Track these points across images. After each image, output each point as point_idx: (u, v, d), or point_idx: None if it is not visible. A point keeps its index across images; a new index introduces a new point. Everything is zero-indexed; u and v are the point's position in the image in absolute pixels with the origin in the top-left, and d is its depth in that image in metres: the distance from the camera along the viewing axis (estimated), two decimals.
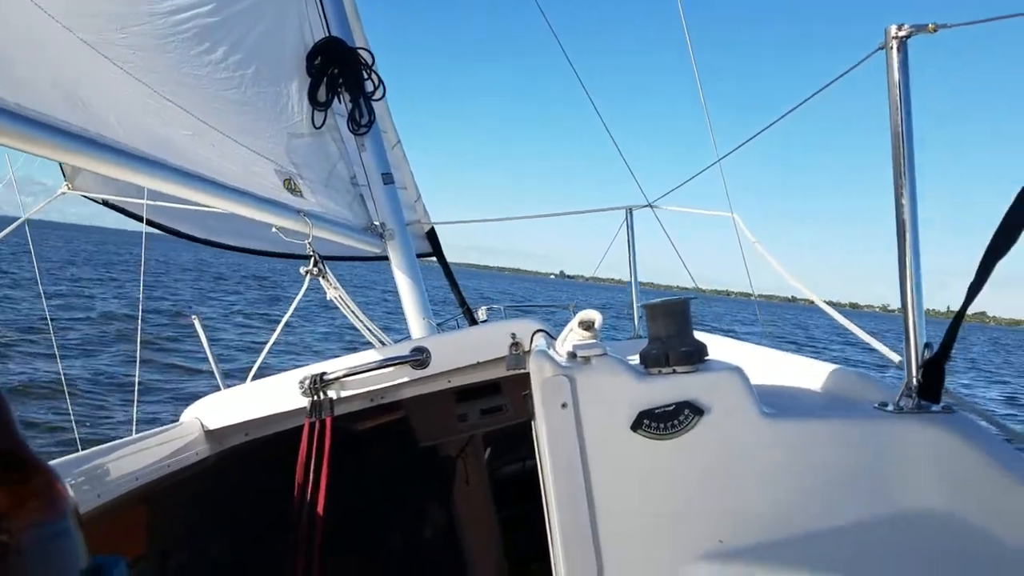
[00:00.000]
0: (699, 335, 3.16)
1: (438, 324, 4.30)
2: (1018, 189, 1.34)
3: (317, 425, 2.55)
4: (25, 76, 1.87)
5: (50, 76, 2.01)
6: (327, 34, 3.46)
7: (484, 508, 3.59)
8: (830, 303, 2.73)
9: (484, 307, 5.40)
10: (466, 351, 2.62)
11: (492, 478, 3.64)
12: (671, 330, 1.60)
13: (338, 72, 3.43)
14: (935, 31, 1.56)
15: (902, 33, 1.58)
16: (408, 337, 3.76)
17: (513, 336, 2.58)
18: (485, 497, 3.59)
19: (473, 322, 5.30)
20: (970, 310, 1.44)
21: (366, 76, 3.63)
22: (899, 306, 1.61)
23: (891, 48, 1.59)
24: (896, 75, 1.59)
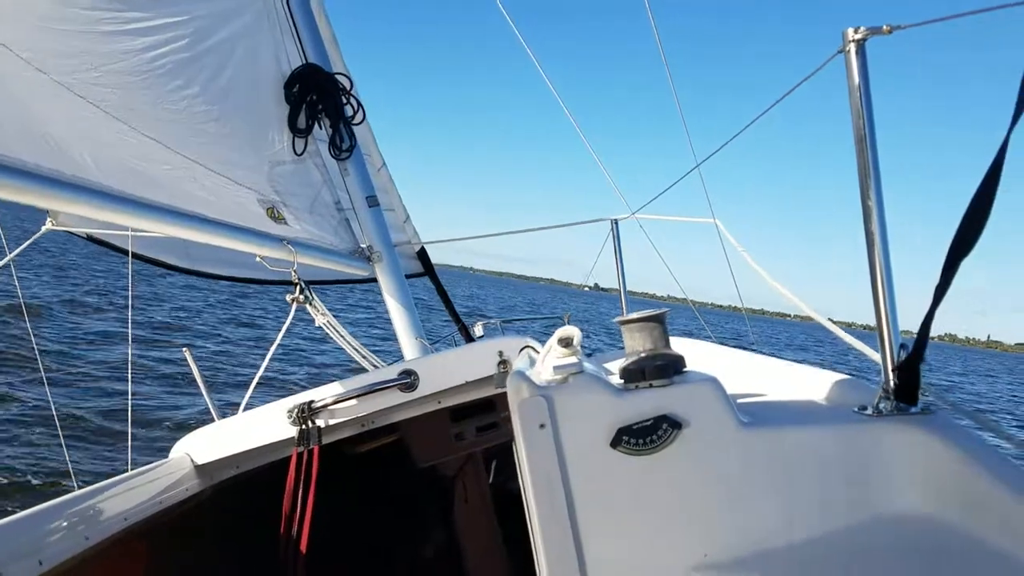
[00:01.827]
0: (683, 341, 3.16)
1: (436, 342, 4.30)
2: (975, 188, 1.34)
3: (305, 454, 2.54)
4: None
5: (20, 119, 2.01)
6: (304, 61, 3.47)
7: (486, 525, 3.57)
8: (806, 318, 2.74)
9: (480, 322, 5.40)
10: (454, 371, 2.61)
11: (498, 494, 3.62)
12: (647, 344, 1.60)
13: (316, 99, 3.43)
14: (890, 32, 1.57)
15: (858, 36, 1.58)
16: (402, 358, 3.76)
17: (500, 354, 2.58)
18: (487, 514, 3.57)
19: (469, 338, 5.30)
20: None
21: (345, 101, 3.63)
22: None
23: (849, 51, 1.60)
24: (856, 78, 1.59)
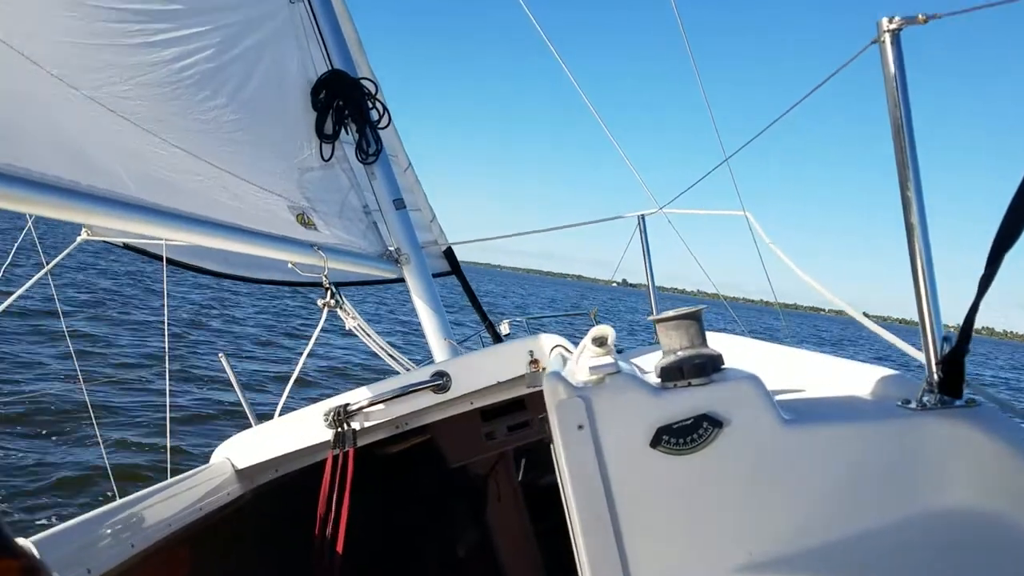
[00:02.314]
0: (718, 337, 3.13)
1: (463, 340, 4.31)
2: (1020, 178, 1.32)
3: (341, 456, 2.56)
4: (28, 137, 1.90)
5: (55, 136, 2.05)
6: (329, 67, 3.49)
7: (518, 524, 3.58)
8: (840, 313, 2.70)
9: (507, 320, 5.40)
10: (486, 372, 2.63)
11: (528, 490, 3.63)
12: (683, 342, 1.59)
13: (343, 104, 3.45)
14: (926, 21, 1.55)
15: (893, 26, 1.56)
16: (430, 359, 3.77)
17: (531, 353, 2.58)
18: (519, 512, 3.58)
19: (496, 337, 5.31)
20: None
21: (371, 106, 3.65)
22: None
23: (884, 42, 1.57)
24: (892, 68, 1.57)
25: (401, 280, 3.96)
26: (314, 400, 2.72)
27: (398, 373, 3.31)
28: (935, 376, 1.53)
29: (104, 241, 4.14)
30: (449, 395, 2.62)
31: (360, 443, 2.63)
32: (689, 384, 1.49)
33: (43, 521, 5.59)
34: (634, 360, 2.41)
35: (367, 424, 2.63)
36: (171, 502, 2.28)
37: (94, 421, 5.20)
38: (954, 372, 1.51)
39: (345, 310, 3.37)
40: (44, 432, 7.48)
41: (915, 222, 1.58)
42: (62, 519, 2.08)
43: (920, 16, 1.55)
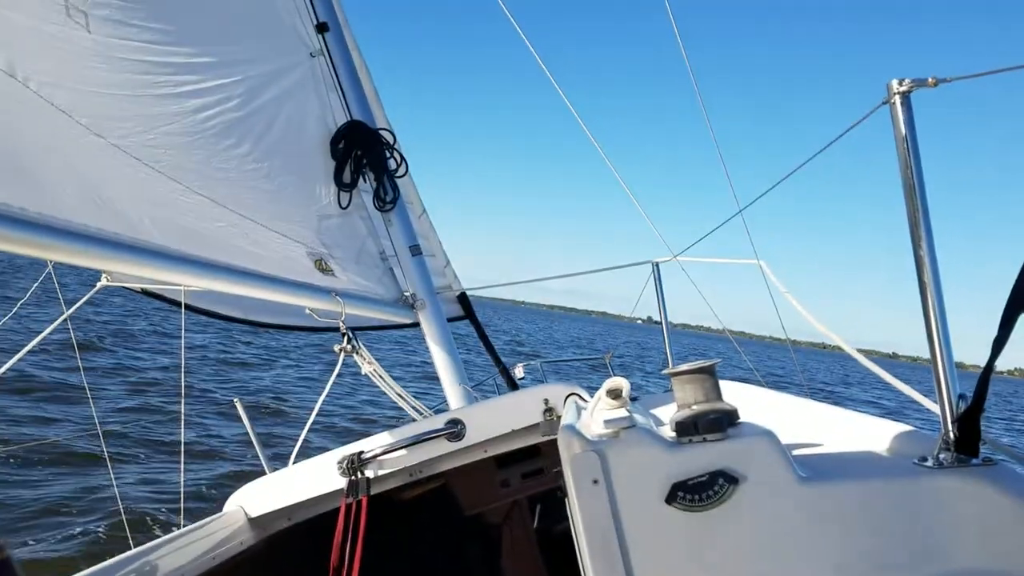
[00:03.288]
0: (734, 386, 3.11)
1: (477, 385, 4.29)
2: None
3: (354, 505, 2.55)
4: (53, 184, 1.94)
5: (81, 183, 2.09)
6: (348, 118, 3.56)
7: (533, 572, 3.53)
8: (868, 352, 2.69)
9: (521, 364, 5.39)
10: (500, 420, 2.61)
11: (542, 538, 3.59)
12: (698, 396, 1.58)
13: (361, 154, 3.51)
14: (935, 85, 1.56)
15: (903, 88, 1.58)
16: (445, 404, 3.76)
17: (546, 402, 2.57)
18: (534, 561, 3.53)
19: (511, 381, 5.29)
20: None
21: (389, 155, 3.71)
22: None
23: (894, 103, 1.59)
24: (903, 129, 1.59)
25: (416, 325, 3.96)
26: (330, 447, 2.72)
27: (413, 419, 3.30)
28: (951, 435, 1.52)
29: (123, 287, 4.18)
30: (463, 443, 2.61)
31: (374, 491, 2.61)
32: (704, 439, 1.48)
33: (57, 569, 5.56)
34: (651, 409, 2.40)
35: (381, 472, 2.62)
36: (184, 551, 2.27)
37: (109, 467, 5.20)
38: (970, 431, 1.50)
39: (361, 355, 3.38)
40: (57, 476, 7.48)
41: (928, 281, 1.58)
42: (75, 569, 2.08)
43: (930, 79, 1.57)
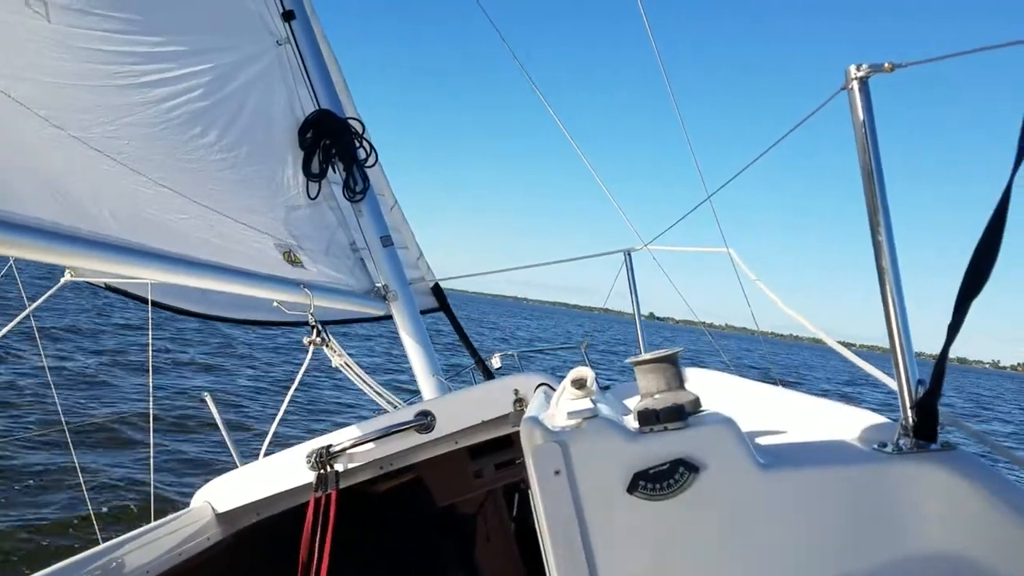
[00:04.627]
0: (699, 373, 3.13)
1: (453, 376, 4.28)
2: (985, 224, 1.33)
3: (323, 499, 2.53)
4: (11, 178, 1.89)
5: (38, 177, 2.05)
6: (316, 106, 3.51)
7: (508, 563, 3.52)
8: (843, 343, 2.70)
9: (498, 354, 5.38)
10: (471, 411, 2.60)
11: (519, 529, 3.59)
12: (660, 385, 1.58)
13: (330, 143, 3.47)
14: (892, 70, 1.57)
15: (861, 73, 1.58)
16: (419, 396, 3.75)
17: (516, 392, 2.56)
18: (509, 552, 3.53)
19: (487, 372, 5.28)
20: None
21: (358, 145, 3.67)
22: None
23: (852, 88, 1.60)
24: (860, 115, 1.59)
25: (389, 317, 3.94)
26: (300, 440, 2.69)
27: (385, 411, 3.28)
28: (910, 420, 1.53)
29: (87, 282, 4.11)
30: (434, 435, 2.59)
31: (343, 484, 2.59)
32: (665, 428, 1.48)
33: (23, 567, 5.48)
34: (624, 398, 2.40)
35: (351, 465, 2.60)
36: (150, 548, 2.24)
37: (76, 463, 5.12)
38: (928, 416, 1.51)
39: (332, 348, 3.35)
40: (25, 474, 7.36)
41: (887, 266, 1.58)
42: (42, 565, 2.04)
43: (887, 65, 1.58)
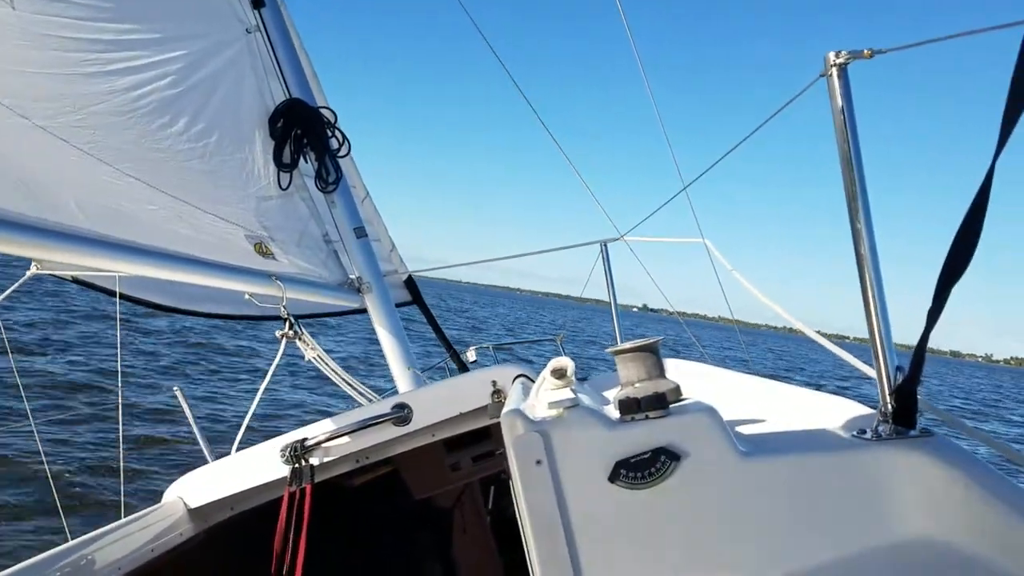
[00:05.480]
0: (679, 363, 3.14)
1: (427, 369, 4.26)
2: (965, 211, 1.34)
3: (298, 493, 2.50)
4: None
5: (2, 167, 2.00)
6: (287, 96, 3.47)
7: (486, 556, 3.52)
8: (821, 334, 2.72)
9: (473, 347, 5.37)
10: (448, 403, 2.58)
11: (496, 521, 3.58)
12: (641, 374, 1.58)
13: (301, 133, 3.42)
14: (871, 56, 1.58)
15: (840, 60, 1.59)
16: (395, 388, 3.72)
17: (494, 384, 2.55)
18: (486, 544, 3.53)
19: (461, 365, 5.27)
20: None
21: (330, 134, 3.63)
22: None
23: (831, 75, 1.60)
24: (839, 102, 1.60)
25: (363, 311, 3.91)
26: (274, 435, 2.66)
27: (360, 405, 3.25)
28: (889, 406, 1.55)
29: (54, 275, 4.04)
30: (410, 428, 2.57)
31: (319, 478, 2.57)
32: (647, 417, 1.48)
33: None
34: (603, 388, 2.40)
35: (326, 459, 2.58)
36: (121, 544, 2.21)
37: (44, 459, 5.04)
38: (907, 402, 1.53)
39: (304, 341, 3.32)
40: None
41: (865, 253, 1.59)
42: (8, 564, 2.00)
43: (866, 51, 1.58)
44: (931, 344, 1.50)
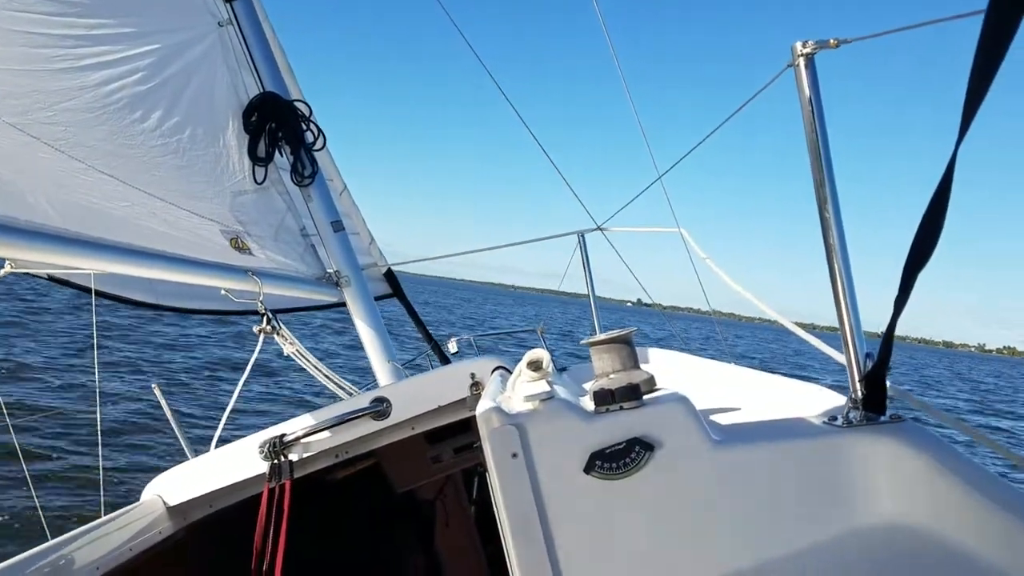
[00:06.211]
0: (655, 353, 3.16)
1: (408, 363, 4.25)
2: (929, 198, 1.36)
3: (277, 489, 2.49)
4: None
5: None
6: (261, 89, 3.44)
7: (469, 547, 3.53)
8: (801, 324, 2.74)
9: (454, 339, 5.36)
10: (427, 396, 2.58)
11: (479, 513, 3.59)
12: (615, 365, 1.59)
13: (276, 127, 3.40)
14: (837, 46, 1.60)
15: (807, 50, 1.61)
16: (375, 383, 3.71)
17: (472, 376, 2.55)
18: (469, 536, 3.54)
19: (442, 356, 5.27)
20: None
21: (305, 128, 3.61)
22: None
23: (798, 65, 1.62)
24: (807, 92, 1.61)
25: (342, 304, 3.90)
26: (253, 431, 2.65)
27: (340, 398, 3.25)
28: (859, 393, 1.57)
29: (28, 273, 3.99)
30: (389, 421, 2.57)
31: (298, 474, 2.56)
32: (621, 408, 1.49)
33: None
34: (579, 379, 2.41)
35: (305, 455, 2.57)
36: (99, 543, 2.19)
37: (21, 458, 4.98)
38: (877, 389, 1.55)
39: (282, 335, 3.31)
40: None
41: (834, 242, 1.61)
42: None
43: (832, 41, 1.60)
44: (924, 335, 1.52)
